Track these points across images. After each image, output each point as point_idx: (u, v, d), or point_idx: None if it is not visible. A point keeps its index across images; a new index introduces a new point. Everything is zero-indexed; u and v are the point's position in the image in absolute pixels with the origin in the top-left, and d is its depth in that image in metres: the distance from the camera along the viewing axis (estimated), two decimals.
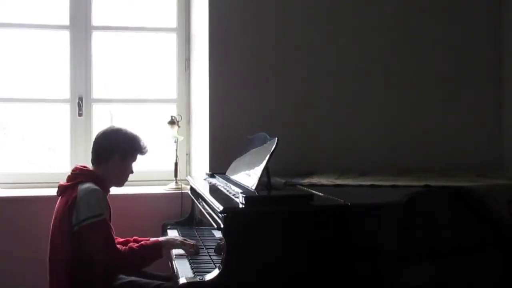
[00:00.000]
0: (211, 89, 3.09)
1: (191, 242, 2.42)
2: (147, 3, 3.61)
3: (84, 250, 2.30)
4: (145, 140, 2.65)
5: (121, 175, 2.59)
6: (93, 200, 2.34)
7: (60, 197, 2.47)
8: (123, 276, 2.47)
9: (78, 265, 2.30)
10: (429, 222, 2.16)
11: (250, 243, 1.86)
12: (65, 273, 2.33)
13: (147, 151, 2.66)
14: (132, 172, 2.64)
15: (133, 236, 2.70)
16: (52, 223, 2.43)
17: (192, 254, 2.33)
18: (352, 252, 1.94)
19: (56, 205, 2.45)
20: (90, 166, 2.58)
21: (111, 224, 2.46)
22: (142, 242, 2.43)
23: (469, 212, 2.27)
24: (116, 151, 2.53)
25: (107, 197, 2.53)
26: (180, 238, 2.45)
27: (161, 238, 2.49)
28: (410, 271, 2.05)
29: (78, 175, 2.48)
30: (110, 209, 2.49)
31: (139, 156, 2.65)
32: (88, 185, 2.39)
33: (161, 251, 2.39)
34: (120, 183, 2.63)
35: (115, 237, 2.45)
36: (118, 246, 2.39)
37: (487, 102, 3.47)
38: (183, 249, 2.37)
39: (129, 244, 2.42)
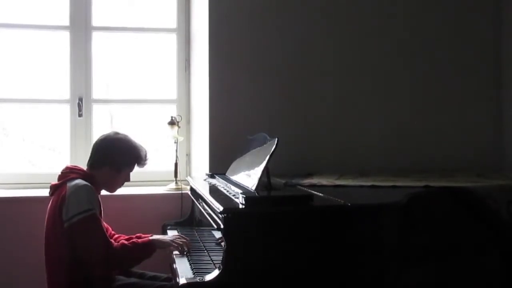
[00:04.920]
0: (211, 89, 3.09)
1: (180, 241, 2.40)
2: (147, 3, 3.61)
3: (76, 246, 2.29)
4: (146, 150, 2.63)
5: (114, 184, 2.58)
6: (82, 195, 2.32)
7: (52, 197, 2.47)
8: (123, 278, 2.47)
9: (73, 263, 2.30)
10: (429, 223, 2.16)
11: (250, 244, 1.86)
12: (61, 272, 2.33)
13: (146, 163, 2.64)
14: (128, 180, 2.63)
15: (137, 234, 2.70)
16: (45, 223, 2.43)
17: (183, 252, 2.34)
18: (352, 253, 1.94)
19: (49, 205, 2.45)
20: (83, 166, 2.58)
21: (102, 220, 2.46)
22: (133, 240, 2.43)
23: (469, 212, 2.27)
24: (110, 162, 2.52)
25: (99, 196, 2.52)
26: (169, 238, 2.44)
27: (152, 237, 2.48)
28: (410, 271, 2.05)
29: (67, 173, 2.48)
30: (101, 206, 2.48)
31: (137, 167, 2.64)
32: (76, 182, 2.38)
33: (152, 249, 2.40)
34: (111, 190, 2.62)
35: (110, 232, 2.45)
36: (111, 241, 2.39)
37: (487, 102, 3.47)
38: (172, 248, 2.38)
39: (121, 241, 2.42)
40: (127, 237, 2.67)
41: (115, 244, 2.37)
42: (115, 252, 2.32)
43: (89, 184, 2.39)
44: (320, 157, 3.20)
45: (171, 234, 2.70)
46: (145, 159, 2.62)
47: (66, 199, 2.32)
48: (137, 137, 2.67)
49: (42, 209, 2.53)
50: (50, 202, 2.45)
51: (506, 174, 3.03)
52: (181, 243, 2.39)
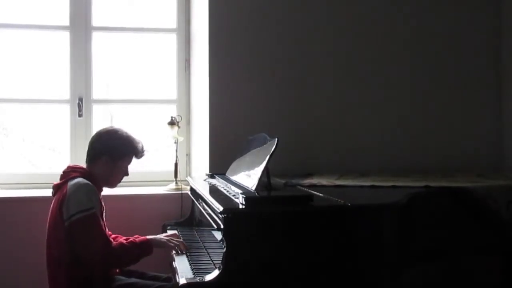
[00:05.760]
0: (211, 90, 3.09)
1: (176, 242, 2.43)
2: (147, 3, 3.61)
3: (75, 245, 2.29)
4: (142, 143, 2.62)
5: (111, 177, 2.56)
6: (82, 194, 2.32)
7: (54, 197, 2.47)
8: (123, 278, 2.47)
9: (73, 262, 2.30)
10: (429, 223, 2.16)
11: (250, 244, 1.86)
12: (62, 271, 2.33)
13: (143, 154, 2.62)
14: (127, 174, 2.62)
15: (134, 236, 2.70)
16: (47, 222, 2.43)
17: (181, 252, 2.35)
18: (352, 253, 1.94)
19: (51, 205, 2.45)
20: (84, 165, 2.58)
21: (103, 219, 2.45)
22: (131, 239, 2.43)
23: (469, 212, 2.27)
24: (105, 152, 2.51)
25: (100, 194, 2.52)
26: (165, 238, 2.47)
27: (149, 236, 2.49)
28: (410, 271, 2.06)
29: (69, 172, 2.48)
30: (102, 205, 2.48)
31: (135, 159, 2.62)
32: (77, 180, 2.39)
33: (150, 248, 2.41)
34: (111, 184, 2.61)
35: (107, 232, 2.45)
36: (110, 239, 2.39)
37: (487, 102, 3.47)
38: (168, 247, 2.40)
39: (120, 240, 2.42)
40: (125, 238, 2.68)
41: (114, 243, 2.37)
42: (114, 251, 2.33)
43: (90, 183, 2.39)
44: (320, 157, 3.20)
45: (169, 233, 2.71)
46: (142, 149, 2.61)
47: (66, 198, 2.32)
48: (133, 133, 2.66)
49: (42, 209, 2.53)
50: (52, 202, 2.45)
51: (506, 174, 3.03)
52: (177, 243, 2.42)
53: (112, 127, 2.65)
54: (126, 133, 2.59)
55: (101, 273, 2.35)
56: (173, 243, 2.42)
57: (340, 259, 1.93)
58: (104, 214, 2.52)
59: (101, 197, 2.50)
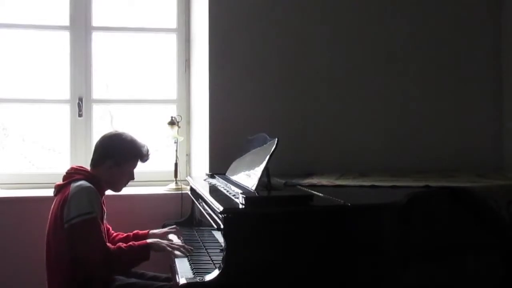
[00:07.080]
0: (211, 90, 3.09)
1: (177, 245, 2.39)
2: (147, 4, 3.61)
3: (74, 247, 2.29)
4: (147, 146, 2.61)
5: (116, 181, 2.56)
6: (84, 197, 2.32)
7: (56, 197, 2.47)
8: (123, 278, 2.47)
9: (72, 263, 2.30)
10: (429, 223, 2.16)
11: (250, 244, 1.86)
12: (60, 272, 2.33)
13: (147, 158, 2.61)
14: (133, 178, 2.61)
15: (134, 231, 2.72)
16: (48, 222, 2.43)
17: (180, 256, 2.31)
18: (352, 253, 1.94)
19: (52, 205, 2.45)
20: (87, 167, 2.58)
21: (104, 223, 2.45)
22: (130, 243, 2.42)
23: (469, 212, 2.27)
24: (110, 156, 2.51)
25: (103, 197, 2.52)
26: (165, 242, 2.43)
27: (149, 240, 2.46)
28: (410, 271, 2.06)
29: (72, 174, 2.48)
30: (103, 208, 2.48)
31: (140, 163, 2.61)
32: (80, 183, 2.38)
33: (149, 253, 2.38)
34: (116, 188, 2.60)
35: (105, 235, 2.44)
36: (108, 244, 2.38)
37: (487, 102, 3.47)
38: (168, 251, 2.36)
39: (118, 244, 2.42)
40: (125, 234, 2.68)
41: (112, 247, 2.36)
42: (112, 256, 2.31)
43: (92, 187, 2.39)
44: (320, 157, 3.20)
45: (171, 236, 2.67)
46: (147, 153, 2.60)
47: (68, 200, 2.32)
48: (137, 137, 2.67)
49: (42, 209, 2.53)
50: (54, 202, 2.45)
51: (506, 174, 3.03)
52: (177, 246, 2.38)
53: (116, 131, 2.64)
54: (130, 136, 2.58)
55: (98, 275, 2.34)
56: (172, 247, 2.38)
57: (340, 259, 1.93)
58: (104, 217, 2.52)
59: (103, 201, 2.50)
